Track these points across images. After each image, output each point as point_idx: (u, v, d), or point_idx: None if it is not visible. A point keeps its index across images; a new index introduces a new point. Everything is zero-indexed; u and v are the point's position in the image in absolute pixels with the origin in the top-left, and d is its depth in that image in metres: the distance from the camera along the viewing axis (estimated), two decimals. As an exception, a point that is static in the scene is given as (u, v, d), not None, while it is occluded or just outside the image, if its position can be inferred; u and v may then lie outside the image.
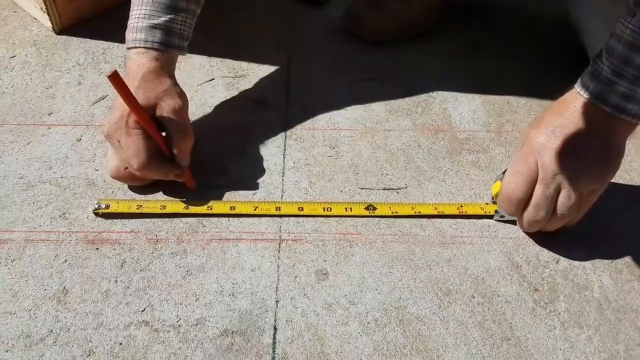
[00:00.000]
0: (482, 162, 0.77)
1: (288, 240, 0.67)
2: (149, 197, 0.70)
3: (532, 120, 0.64)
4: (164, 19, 0.67)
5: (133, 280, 0.62)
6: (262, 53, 0.91)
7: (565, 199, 0.60)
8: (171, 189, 0.70)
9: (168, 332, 0.58)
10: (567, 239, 0.67)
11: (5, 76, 0.85)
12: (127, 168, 0.66)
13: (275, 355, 0.57)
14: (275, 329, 0.59)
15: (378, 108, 0.84)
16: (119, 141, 0.64)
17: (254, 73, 0.89)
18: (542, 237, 0.67)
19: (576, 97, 0.61)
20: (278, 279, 0.63)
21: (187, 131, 0.67)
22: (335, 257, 0.65)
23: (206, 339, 0.57)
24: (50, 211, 0.68)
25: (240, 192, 0.71)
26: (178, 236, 0.66)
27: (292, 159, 0.76)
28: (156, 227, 0.67)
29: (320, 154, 0.77)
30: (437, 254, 0.66)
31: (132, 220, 0.67)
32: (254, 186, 0.72)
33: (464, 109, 0.84)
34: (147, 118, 0.63)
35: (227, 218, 0.68)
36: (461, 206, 0.70)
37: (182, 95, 0.69)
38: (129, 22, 0.69)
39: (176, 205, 0.68)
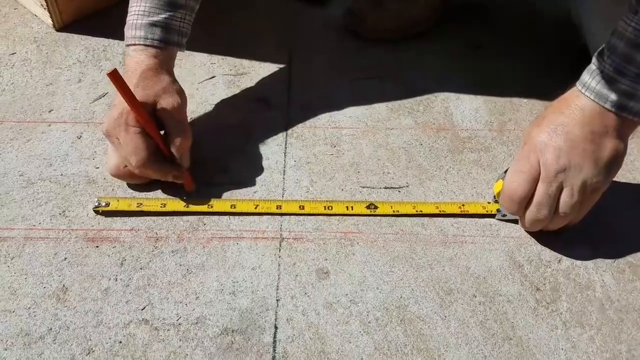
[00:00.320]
0: (484, 160, 0.76)
1: (289, 238, 0.66)
2: (150, 195, 0.69)
3: (534, 119, 0.64)
4: (163, 16, 0.67)
5: (133, 278, 0.61)
6: (263, 51, 0.91)
7: (567, 197, 0.60)
8: (170, 187, 0.69)
9: (168, 330, 0.57)
10: (569, 238, 0.66)
11: (5, 73, 0.85)
12: (126, 166, 0.66)
13: (276, 354, 0.57)
14: (275, 327, 0.59)
15: (379, 106, 0.84)
16: (118, 139, 0.64)
17: (255, 71, 0.89)
18: (544, 236, 0.66)
19: (577, 95, 0.60)
20: (279, 278, 0.63)
21: (186, 130, 0.67)
22: (336, 256, 0.65)
23: (206, 337, 0.57)
24: (50, 209, 0.67)
25: (241, 190, 0.71)
26: (178, 234, 0.66)
27: (293, 157, 0.75)
28: (156, 225, 0.66)
29: (321, 153, 0.76)
30: (439, 253, 0.66)
31: (132, 218, 0.67)
32: (255, 184, 0.72)
33: (465, 107, 0.84)
34: (146, 116, 0.63)
35: (227, 216, 0.68)
36: (463, 205, 0.70)
37: (180, 92, 0.68)
38: (128, 18, 0.68)
39: (177, 203, 0.68)
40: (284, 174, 0.73)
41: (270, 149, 0.77)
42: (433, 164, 0.75)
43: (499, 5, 1.06)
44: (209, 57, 0.90)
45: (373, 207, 0.70)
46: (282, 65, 0.89)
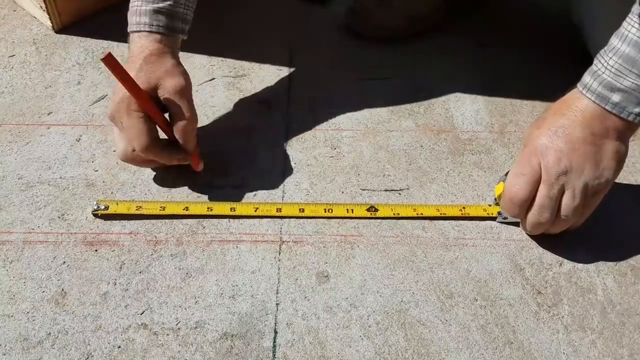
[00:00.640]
0: (484, 163, 0.76)
1: (289, 242, 0.66)
2: (149, 198, 0.69)
3: (534, 121, 0.64)
4: (168, 2, 0.67)
5: (132, 282, 0.61)
6: (263, 52, 0.91)
7: (569, 200, 0.59)
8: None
9: (167, 335, 0.57)
10: (570, 241, 0.66)
11: (4, 75, 0.85)
12: (134, 150, 0.65)
13: (275, 359, 0.56)
14: (275, 332, 0.58)
15: (380, 108, 0.83)
16: (122, 123, 0.63)
17: (255, 73, 0.88)
18: (546, 240, 0.66)
19: (578, 97, 0.60)
20: (278, 281, 0.62)
21: (190, 112, 0.65)
22: (336, 259, 0.65)
23: (205, 342, 0.57)
24: (49, 212, 0.67)
25: (241, 193, 0.71)
26: (178, 238, 0.65)
27: (293, 159, 0.75)
28: (155, 229, 0.66)
29: (321, 155, 0.76)
30: (439, 256, 0.65)
31: (132, 222, 0.66)
32: (255, 187, 0.72)
33: (466, 109, 0.84)
34: (147, 99, 0.62)
35: (227, 219, 0.68)
36: (464, 208, 0.69)
37: (185, 74, 0.67)
38: (132, 4, 0.68)
39: (176, 206, 0.67)
40: (283, 177, 0.73)
41: (270, 151, 0.76)
42: (434, 166, 0.75)
43: (505, 3, 1.05)
44: (209, 59, 0.90)
45: (373, 209, 0.69)
46: (282, 67, 0.89)
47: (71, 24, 0.94)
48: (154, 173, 0.72)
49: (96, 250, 0.64)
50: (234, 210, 0.68)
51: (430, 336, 0.59)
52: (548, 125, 0.60)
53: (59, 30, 0.93)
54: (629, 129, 0.59)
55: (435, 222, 0.69)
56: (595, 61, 0.60)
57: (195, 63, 0.89)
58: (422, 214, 0.69)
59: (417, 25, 0.95)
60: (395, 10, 0.93)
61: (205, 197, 0.70)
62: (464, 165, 0.75)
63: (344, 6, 0.97)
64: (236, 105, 0.82)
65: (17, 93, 0.82)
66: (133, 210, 0.66)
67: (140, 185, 0.70)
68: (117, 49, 0.90)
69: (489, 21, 1.01)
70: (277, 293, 0.61)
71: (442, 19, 0.97)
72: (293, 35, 0.95)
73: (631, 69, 0.56)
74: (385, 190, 0.72)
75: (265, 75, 0.88)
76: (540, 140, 0.60)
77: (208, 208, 0.68)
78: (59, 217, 0.67)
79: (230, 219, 0.68)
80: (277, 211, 0.68)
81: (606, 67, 0.58)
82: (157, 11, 0.66)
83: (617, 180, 0.63)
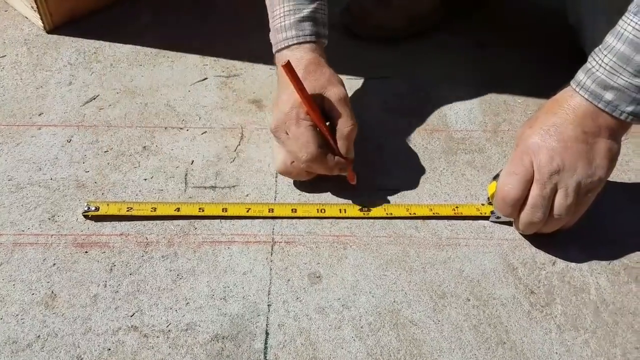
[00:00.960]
0: (477, 162, 0.75)
1: (281, 242, 0.66)
2: (139, 199, 0.69)
3: (527, 120, 0.63)
4: (308, 10, 0.67)
5: (122, 284, 0.61)
6: (256, 52, 0.90)
7: (562, 199, 0.59)
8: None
9: (157, 337, 0.57)
10: (563, 240, 0.66)
11: (-5, 76, 0.84)
12: (293, 162, 0.65)
13: (267, 361, 0.56)
14: (267, 333, 0.58)
15: (374, 107, 0.83)
16: (287, 133, 0.63)
17: (247, 72, 0.88)
18: (539, 239, 0.66)
19: (571, 95, 0.60)
20: (270, 282, 0.62)
21: (353, 120, 0.66)
22: (328, 260, 0.64)
23: (196, 344, 0.56)
24: (39, 214, 0.67)
25: (233, 193, 0.70)
26: (169, 239, 0.65)
27: (286, 159, 0.75)
28: (147, 230, 0.65)
29: (314, 155, 0.75)
30: (432, 256, 0.65)
31: (122, 223, 0.66)
32: (247, 187, 0.71)
33: (460, 108, 0.83)
34: (317, 109, 0.63)
35: (219, 220, 0.67)
36: (457, 207, 0.69)
37: (342, 83, 0.68)
38: (272, 23, 0.68)
39: (167, 207, 0.67)
40: (276, 177, 0.73)
41: (263, 151, 0.76)
42: (427, 166, 0.75)
43: (504, 3, 1.05)
44: (201, 59, 0.89)
45: (366, 209, 0.69)
46: (274, 67, 0.88)
47: (63, 24, 0.94)
48: (145, 174, 0.71)
49: (86, 252, 0.63)
50: (226, 211, 0.67)
51: (422, 336, 0.58)
52: (540, 124, 0.60)
53: (50, 31, 0.93)
54: (621, 127, 0.59)
55: (428, 221, 0.68)
56: (590, 59, 0.59)
57: (187, 63, 0.89)
58: (415, 213, 0.68)
59: (415, 25, 0.95)
60: (393, 10, 0.93)
61: (197, 198, 0.69)
62: (457, 165, 0.75)
63: (340, 5, 0.96)
64: (229, 105, 0.82)
65: (8, 94, 0.82)
66: (124, 212, 0.66)
67: (132, 187, 0.70)
68: (108, 49, 0.90)
69: (488, 21, 1.01)
70: (269, 294, 0.61)
71: (441, 19, 0.97)
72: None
73: (625, 67, 0.56)
74: (378, 190, 0.71)
75: (258, 75, 0.87)
76: (533, 139, 0.60)
77: (200, 209, 0.67)
78: (49, 219, 0.66)
79: (222, 220, 0.67)
80: (269, 211, 0.68)
81: (600, 65, 0.57)
82: (300, 21, 0.67)
83: (610, 179, 0.63)
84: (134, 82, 0.85)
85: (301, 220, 0.68)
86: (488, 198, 0.68)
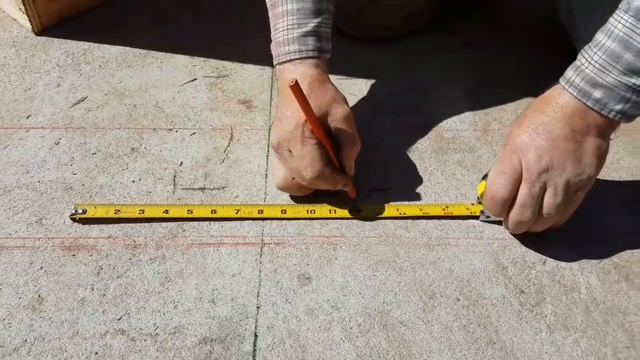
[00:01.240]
0: (468, 161, 0.75)
1: (270, 243, 0.65)
2: (127, 201, 0.68)
3: (515, 119, 0.63)
4: (312, 24, 0.66)
5: (110, 287, 0.60)
6: (246, 52, 0.90)
7: (551, 198, 0.59)
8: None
9: (145, 341, 0.56)
10: (553, 239, 0.65)
11: (-18, 79, 0.84)
12: (294, 178, 0.65)
13: (255, 363, 0.56)
14: (255, 336, 0.57)
15: (364, 107, 0.83)
16: (290, 151, 0.63)
17: (237, 73, 0.87)
18: (528, 238, 0.65)
19: (559, 93, 0.59)
20: (259, 284, 0.62)
21: (357, 140, 0.66)
22: (318, 261, 0.64)
23: (184, 347, 0.56)
24: (26, 217, 0.66)
25: (222, 194, 0.70)
26: (157, 241, 0.64)
27: (275, 160, 0.74)
28: (134, 232, 0.65)
29: (303, 155, 0.75)
30: (422, 256, 0.65)
31: (110, 226, 0.65)
32: (236, 188, 0.71)
33: (450, 107, 0.83)
34: (321, 127, 0.62)
35: (207, 222, 0.67)
36: (446, 207, 0.69)
37: (346, 101, 0.67)
38: (275, 35, 0.67)
39: (155, 209, 0.66)
40: (266, 178, 0.72)
41: (253, 152, 0.75)
42: (417, 165, 0.74)
43: (499, 2, 1.05)
44: (191, 59, 0.89)
45: (356, 210, 0.69)
46: (265, 67, 0.88)
47: (51, 25, 0.93)
48: (133, 176, 0.71)
49: (74, 255, 0.63)
50: (215, 213, 0.67)
51: (412, 337, 0.58)
52: (528, 122, 0.60)
53: (39, 33, 0.92)
54: (610, 125, 0.59)
55: (418, 221, 0.68)
56: (579, 56, 0.59)
57: (177, 64, 0.88)
58: (405, 213, 0.68)
59: (408, 24, 0.95)
60: (386, 9, 0.92)
61: (185, 200, 0.69)
62: (447, 164, 0.75)
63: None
64: (218, 105, 0.82)
65: (-4, 96, 0.81)
66: (111, 214, 0.66)
67: (120, 189, 0.69)
68: (97, 51, 0.90)
69: (478, 19, 1.01)
70: (258, 296, 0.61)
71: (433, 18, 0.97)
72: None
73: (615, 65, 0.55)
74: (368, 190, 0.71)
75: (248, 76, 0.87)
76: (521, 138, 0.59)
77: (188, 210, 0.67)
78: (36, 222, 0.66)
79: (211, 222, 0.67)
80: (258, 213, 0.68)
81: (590, 62, 0.57)
82: (304, 35, 0.66)
83: (600, 177, 0.63)
84: (123, 84, 0.84)
85: (291, 221, 0.68)
86: (478, 197, 0.68)
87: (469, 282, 0.62)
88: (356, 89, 0.85)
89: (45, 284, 0.60)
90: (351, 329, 0.58)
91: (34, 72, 0.86)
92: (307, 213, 0.68)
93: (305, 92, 0.60)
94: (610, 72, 0.56)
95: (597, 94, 0.57)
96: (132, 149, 0.74)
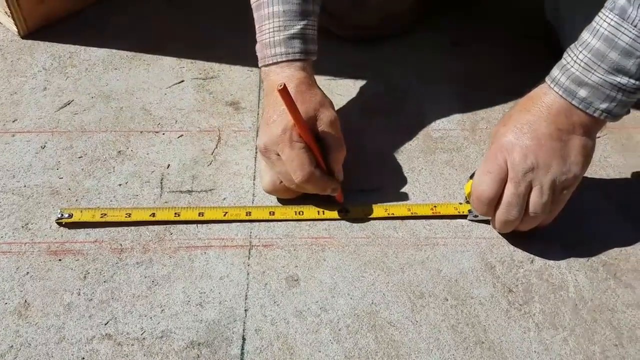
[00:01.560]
0: (456, 161, 0.75)
1: (258, 246, 0.65)
2: (114, 204, 0.68)
3: (501, 118, 0.63)
4: (298, 27, 0.65)
5: (96, 292, 0.60)
6: (233, 54, 0.90)
7: (537, 197, 0.59)
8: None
9: (132, 345, 0.56)
10: (541, 237, 0.65)
11: (-32, 83, 0.83)
12: (282, 182, 0.65)
13: (243, 366, 0.55)
14: (243, 339, 0.57)
15: (352, 107, 0.83)
16: (278, 155, 0.62)
17: (225, 74, 0.87)
18: (516, 237, 0.65)
19: (545, 92, 0.59)
20: (247, 287, 0.61)
21: (343, 145, 0.66)
22: (306, 263, 0.64)
23: (171, 351, 0.56)
24: (12, 222, 0.66)
25: (210, 197, 0.70)
26: (144, 245, 0.64)
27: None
28: (121, 236, 0.65)
29: (291, 156, 0.75)
30: (410, 256, 0.65)
31: (96, 230, 0.65)
32: (224, 191, 0.71)
33: (438, 107, 0.83)
34: (309, 131, 0.62)
35: (195, 225, 0.66)
36: (435, 206, 0.69)
37: (333, 106, 0.67)
38: (261, 37, 0.67)
39: (142, 212, 0.66)
40: (254, 179, 0.72)
41: (240, 154, 0.75)
42: (405, 166, 0.74)
43: (482, 1, 1.05)
44: (178, 61, 0.89)
45: (345, 211, 0.68)
46: (252, 68, 0.88)
47: (37, 29, 0.92)
48: (120, 179, 0.70)
49: (60, 260, 0.62)
50: (203, 215, 0.67)
51: (400, 338, 0.58)
52: (514, 121, 0.60)
53: (25, 36, 0.92)
54: (596, 124, 0.59)
55: (407, 221, 0.68)
56: (565, 55, 0.59)
57: (164, 65, 0.88)
58: (393, 214, 0.68)
59: (392, 24, 0.94)
60: (370, 10, 0.92)
61: (172, 203, 0.68)
62: (435, 164, 0.75)
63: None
64: (206, 107, 0.81)
65: (-18, 101, 0.80)
66: (98, 218, 0.65)
67: (106, 192, 0.69)
68: (83, 53, 0.89)
69: (465, 18, 1.01)
70: (246, 299, 0.60)
71: (417, 18, 0.97)
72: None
73: (600, 63, 0.55)
74: (356, 191, 0.71)
75: (235, 77, 0.87)
76: (506, 137, 0.59)
77: (175, 213, 0.67)
78: (22, 227, 0.65)
79: (199, 224, 0.67)
80: (246, 215, 0.67)
81: (575, 61, 0.57)
82: (290, 38, 0.65)
83: (588, 175, 0.63)
84: (109, 86, 0.84)
85: (279, 223, 0.67)
86: (465, 197, 0.68)
87: (457, 282, 0.62)
88: (343, 89, 0.85)
89: (31, 289, 0.60)
90: (340, 330, 0.58)
91: (20, 75, 0.85)
92: (296, 214, 0.68)
93: (292, 96, 0.59)
94: (595, 71, 0.56)
95: (583, 92, 0.57)
96: (119, 152, 0.74)
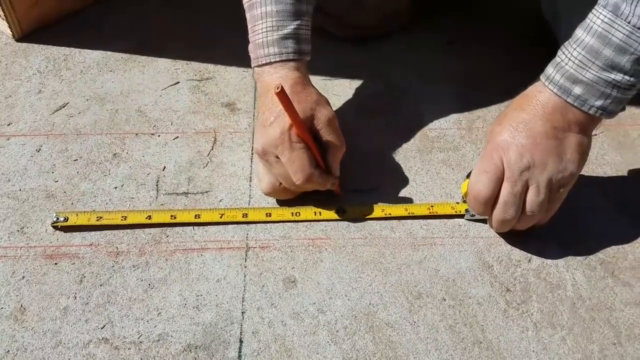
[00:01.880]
0: (452, 160, 0.75)
1: (255, 247, 0.65)
2: (110, 208, 0.67)
3: (496, 117, 0.63)
4: (291, 27, 0.65)
5: (92, 295, 0.60)
6: (228, 55, 0.89)
7: (533, 196, 0.59)
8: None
9: (128, 349, 0.56)
10: (539, 236, 0.65)
11: (-38, 86, 0.83)
12: (281, 183, 0.65)
13: (241, 369, 0.55)
14: (241, 341, 0.57)
15: (348, 107, 0.82)
16: (277, 157, 0.62)
17: (220, 75, 0.87)
18: (514, 236, 0.65)
19: (540, 90, 0.59)
20: (244, 289, 0.61)
21: (343, 141, 0.66)
22: (304, 264, 0.64)
23: (168, 355, 0.55)
24: (8, 226, 0.65)
25: (206, 199, 0.70)
26: (140, 248, 0.64)
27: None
28: (117, 239, 0.64)
29: (288, 157, 0.75)
30: (408, 256, 0.65)
31: (92, 233, 0.65)
32: (220, 192, 0.70)
33: (436, 107, 0.83)
34: (307, 131, 0.62)
35: (191, 227, 0.66)
36: (432, 206, 0.68)
37: (329, 103, 0.67)
38: (254, 38, 0.66)
39: (138, 215, 0.66)
40: (250, 181, 0.72)
41: (237, 155, 0.75)
42: (402, 165, 0.74)
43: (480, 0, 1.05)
44: (173, 63, 0.88)
45: (342, 211, 0.68)
46: (248, 69, 0.87)
47: (32, 31, 0.92)
48: (115, 182, 0.70)
49: (56, 264, 0.62)
50: (199, 217, 0.66)
51: (398, 338, 0.58)
52: (509, 120, 0.60)
53: (19, 39, 0.92)
54: (591, 122, 0.59)
55: (404, 222, 0.68)
56: (559, 52, 0.59)
57: (159, 67, 0.88)
58: (390, 214, 0.68)
59: (391, 23, 0.94)
60: (367, 9, 0.92)
61: (168, 205, 0.68)
62: (432, 163, 0.74)
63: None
64: (201, 109, 0.81)
65: (-24, 104, 0.80)
66: (93, 221, 0.65)
67: (102, 195, 0.69)
68: (78, 56, 0.89)
69: (461, 17, 1.00)
70: (243, 301, 0.60)
71: (416, 18, 0.96)
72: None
73: (594, 61, 0.55)
74: (353, 191, 0.71)
75: (231, 78, 0.87)
76: (502, 136, 0.59)
77: (172, 216, 0.66)
78: (18, 231, 0.65)
79: (195, 227, 0.66)
80: (243, 216, 0.67)
81: (569, 59, 0.57)
82: (284, 38, 0.65)
83: (585, 173, 0.63)
84: (104, 89, 0.83)
85: (276, 224, 0.67)
86: (462, 196, 0.68)
87: (454, 282, 0.62)
88: (340, 89, 0.85)
89: (27, 293, 0.60)
90: (337, 331, 0.58)
91: (14, 78, 0.85)
92: (292, 215, 0.68)
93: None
94: (589, 68, 0.56)
95: (577, 90, 0.57)
96: (114, 154, 0.74)
